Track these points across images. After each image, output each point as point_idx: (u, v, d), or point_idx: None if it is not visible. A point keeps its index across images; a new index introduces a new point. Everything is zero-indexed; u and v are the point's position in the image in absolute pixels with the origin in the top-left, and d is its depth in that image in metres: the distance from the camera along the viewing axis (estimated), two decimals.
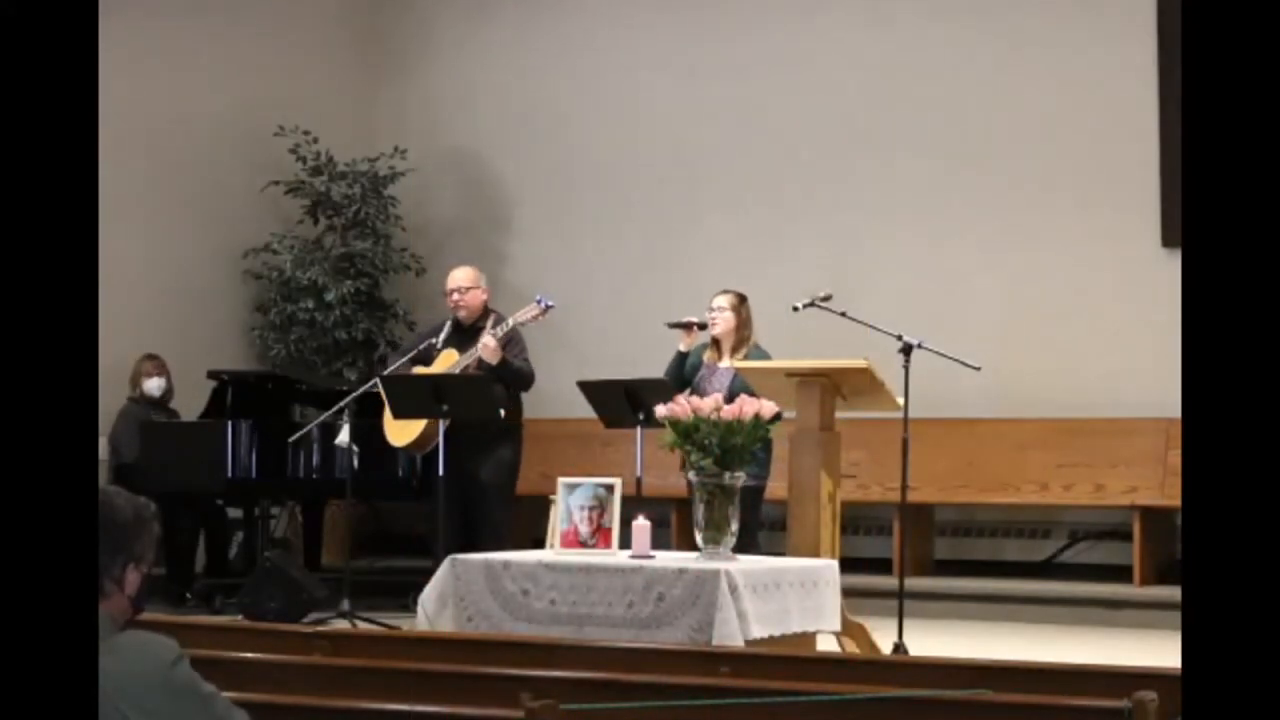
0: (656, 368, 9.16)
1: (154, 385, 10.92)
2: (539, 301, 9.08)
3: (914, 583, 9.16)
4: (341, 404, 9.31)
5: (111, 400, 10.65)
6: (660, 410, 7.11)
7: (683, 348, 9.06)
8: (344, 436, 9.25)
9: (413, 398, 8.87)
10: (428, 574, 7.39)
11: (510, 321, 9.16)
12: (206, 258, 12.29)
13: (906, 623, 8.06)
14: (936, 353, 8.30)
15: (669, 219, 12.31)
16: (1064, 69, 11.26)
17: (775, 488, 8.72)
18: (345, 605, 8.98)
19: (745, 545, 7.71)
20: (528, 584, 6.94)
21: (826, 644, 7.40)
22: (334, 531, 11.58)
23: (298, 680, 4.74)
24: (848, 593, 7.55)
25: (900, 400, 8.05)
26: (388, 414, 9.34)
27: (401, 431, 9.30)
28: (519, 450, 9.52)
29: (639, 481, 8.57)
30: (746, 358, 8.76)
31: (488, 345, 9.10)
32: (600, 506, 7.19)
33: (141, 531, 3.32)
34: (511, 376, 9.31)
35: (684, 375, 8.94)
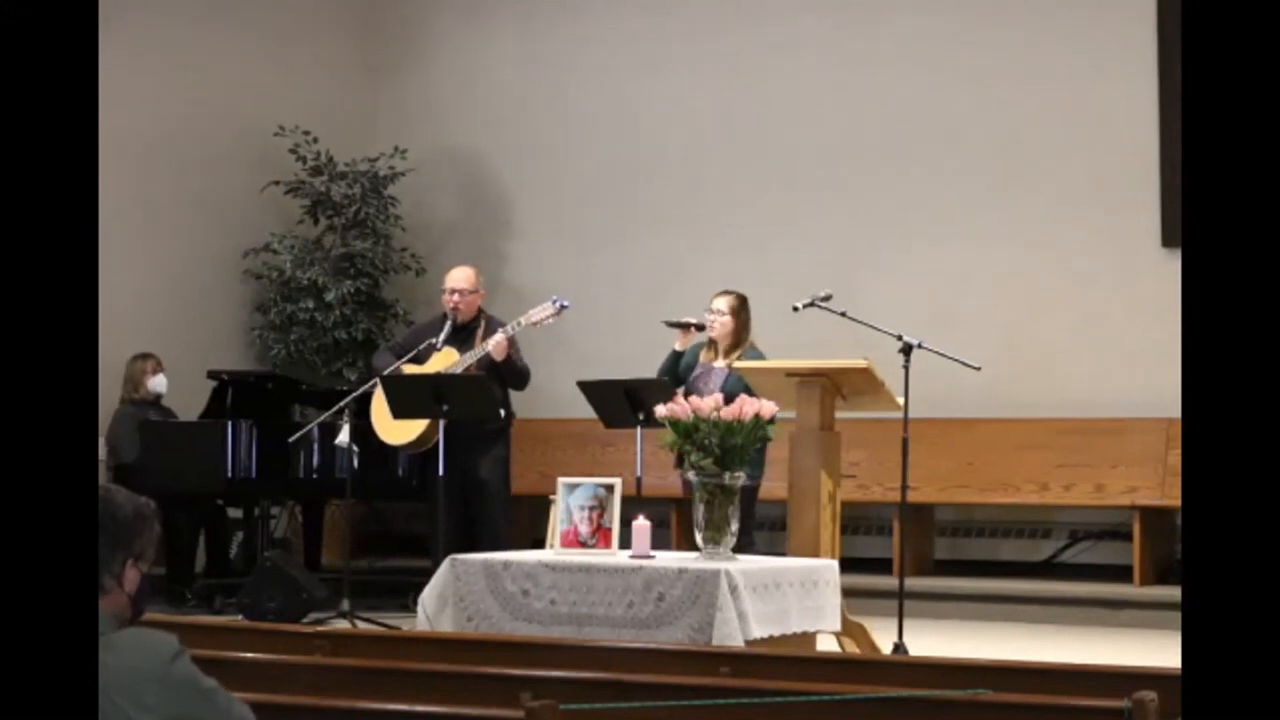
0: (656, 368, 9.15)
1: (159, 382, 10.89)
2: (554, 302, 9.07)
3: (914, 583, 9.16)
4: (341, 404, 9.31)
5: (112, 400, 10.65)
6: (660, 410, 7.10)
7: (678, 347, 9.03)
8: (344, 436, 9.25)
9: (413, 398, 8.87)
10: (428, 574, 7.39)
11: (523, 321, 9.14)
12: (206, 258, 12.28)
13: (906, 623, 8.06)
14: (936, 353, 8.29)
15: (669, 217, 12.30)
16: (1063, 68, 11.25)
17: (775, 488, 8.72)
18: (345, 605, 8.98)
19: (742, 545, 7.71)
20: (528, 584, 6.94)
21: (826, 644, 7.40)
22: (334, 531, 11.58)
23: (298, 680, 4.74)
24: (848, 593, 7.55)
25: (900, 400, 8.05)
26: (377, 411, 9.33)
27: (400, 430, 9.30)
28: (510, 448, 9.55)
29: (639, 481, 8.56)
30: (741, 359, 8.72)
31: (500, 343, 9.09)
32: (600, 506, 7.18)
33: (142, 528, 3.32)
34: (513, 375, 9.32)
35: (678, 374, 8.92)
